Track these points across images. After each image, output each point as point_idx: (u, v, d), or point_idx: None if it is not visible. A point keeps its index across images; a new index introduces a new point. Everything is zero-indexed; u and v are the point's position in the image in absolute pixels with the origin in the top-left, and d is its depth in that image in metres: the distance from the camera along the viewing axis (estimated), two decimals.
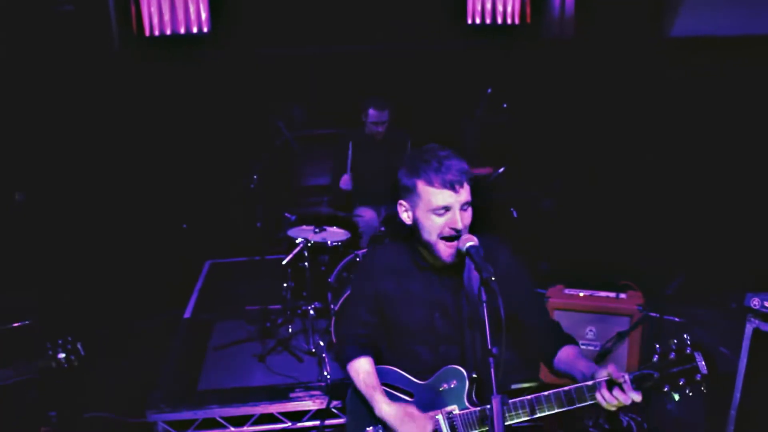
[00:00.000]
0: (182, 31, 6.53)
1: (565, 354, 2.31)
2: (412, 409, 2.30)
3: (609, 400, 2.01)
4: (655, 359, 2.01)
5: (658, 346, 2.06)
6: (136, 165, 6.61)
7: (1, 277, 5.34)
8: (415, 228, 2.27)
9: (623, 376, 2.00)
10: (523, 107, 6.23)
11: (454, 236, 2.17)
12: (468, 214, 2.21)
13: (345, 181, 5.29)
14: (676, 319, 5.06)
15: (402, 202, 2.27)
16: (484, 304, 2.02)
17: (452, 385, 2.28)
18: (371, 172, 5.37)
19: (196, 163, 6.87)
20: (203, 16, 6.48)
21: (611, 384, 2.02)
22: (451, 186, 2.13)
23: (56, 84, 6.06)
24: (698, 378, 1.97)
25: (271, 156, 4.63)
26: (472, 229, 2.25)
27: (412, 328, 2.38)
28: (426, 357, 2.38)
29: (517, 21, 6.96)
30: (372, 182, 5.37)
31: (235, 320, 5.39)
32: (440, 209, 2.15)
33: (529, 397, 2.13)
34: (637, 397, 1.99)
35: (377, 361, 2.51)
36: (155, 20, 6.47)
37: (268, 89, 6.75)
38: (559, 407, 2.10)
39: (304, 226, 4.98)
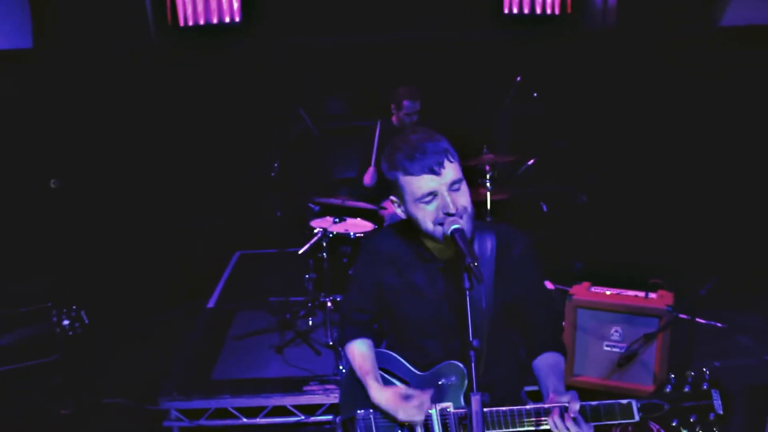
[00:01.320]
0: (215, 20, 6.54)
1: (542, 361, 2.19)
2: (407, 390, 2.16)
3: (559, 428, 1.88)
4: (668, 389, 1.87)
5: (673, 376, 1.90)
6: (169, 154, 6.65)
7: (31, 262, 5.43)
8: (412, 221, 2.13)
9: (574, 407, 1.87)
10: (560, 99, 5.99)
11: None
12: (462, 193, 2.04)
13: (369, 175, 5.18)
14: (718, 325, 4.78)
15: (392, 198, 2.15)
16: (467, 293, 1.86)
17: (451, 381, 2.14)
18: None
19: (229, 152, 6.86)
20: (235, 5, 6.47)
21: (586, 409, 1.89)
22: (431, 170, 1.97)
23: (93, 75, 6.13)
24: (711, 417, 1.83)
25: (291, 142, 4.55)
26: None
27: (419, 322, 2.25)
28: (435, 352, 2.24)
29: (557, 11, 6.72)
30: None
31: (257, 311, 5.34)
32: (426, 196, 2.00)
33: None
34: None
35: (380, 345, 2.40)
36: (189, 11, 6.49)
37: (299, 79, 6.69)
38: (512, 426, 1.97)
39: (328, 218, 4.90)
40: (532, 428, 1.96)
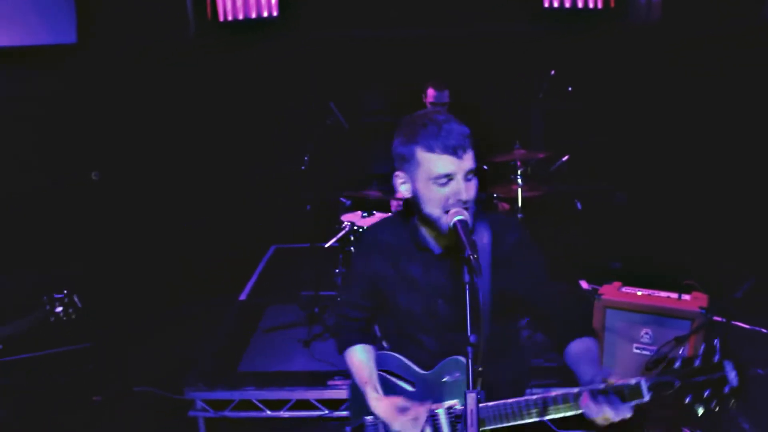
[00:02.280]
0: (253, 15, 6.59)
1: (575, 348, 2.05)
2: (402, 402, 2.11)
3: (594, 411, 1.76)
4: (677, 365, 1.74)
5: (682, 350, 1.78)
6: (207, 147, 6.73)
7: (68, 251, 5.58)
8: (414, 202, 2.05)
9: (613, 387, 1.76)
10: (600, 95, 5.81)
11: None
12: (473, 185, 1.98)
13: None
14: (763, 330, 4.57)
15: (398, 173, 2.04)
16: (467, 286, 1.80)
17: (455, 378, 2.08)
18: None
19: (267, 145, 6.90)
20: (272, 0, 6.50)
21: (596, 393, 1.77)
22: (454, 151, 1.90)
23: (134, 69, 6.24)
24: (726, 391, 1.68)
25: (321, 136, 4.53)
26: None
27: (414, 315, 2.19)
28: (431, 346, 2.18)
29: (600, 5, 6.54)
30: None
31: (288, 304, 5.35)
32: (442, 178, 1.93)
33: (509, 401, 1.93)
34: (628, 413, 1.74)
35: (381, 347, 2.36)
36: (228, 6, 6.55)
37: (335, 73, 6.68)
38: (537, 415, 1.88)
39: (358, 212, 4.88)
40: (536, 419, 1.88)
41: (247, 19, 6.63)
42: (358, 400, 2.31)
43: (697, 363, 1.71)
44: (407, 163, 2.00)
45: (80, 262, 5.62)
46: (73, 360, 4.97)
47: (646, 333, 3.61)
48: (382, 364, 2.28)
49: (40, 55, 5.76)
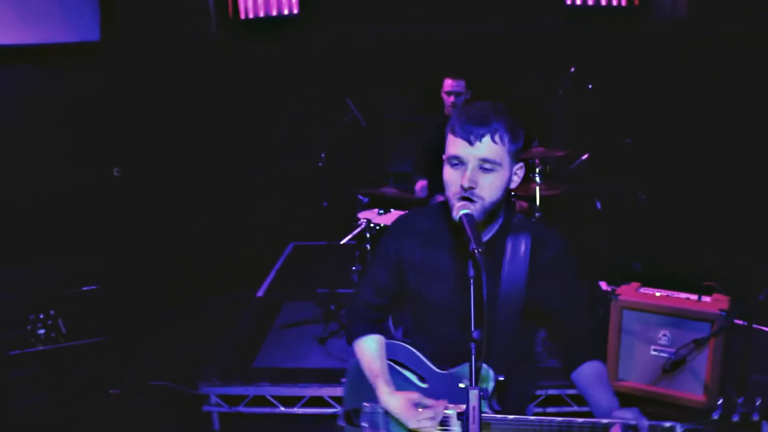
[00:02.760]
0: (274, 13, 6.61)
1: (587, 371, 2.04)
2: (418, 398, 2.07)
3: None
4: (715, 416, 1.71)
5: (721, 402, 1.75)
6: (228, 144, 6.75)
7: (89, 245, 5.64)
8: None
9: (644, 424, 1.73)
10: (624, 93, 5.71)
11: (466, 197, 1.92)
12: (487, 178, 1.92)
13: (421, 188, 5.10)
14: None
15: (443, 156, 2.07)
16: (471, 281, 1.77)
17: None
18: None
19: (287, 143, 6.90)
20: None
21: (628, 429, 1.74)
22: (468, 136, 1.90)
23: (156, 67, 6.29)
24: None
25: (338, 133, 4.53)
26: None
27: (437, 306, 2.15)
28: (447, 341, 2.13)
29: (623, 2, 6.43)
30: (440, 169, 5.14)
31: (304, 301, 5.35)
32: (453, 158, 1.93)
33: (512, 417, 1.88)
34: None
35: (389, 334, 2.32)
36: (249, 3, 6.57)
37: (355, 71, 6.67)
38: None
39: (376, 209, 4.86)
40: None
41: (268, 17, 6.65)
42: (357, 386, 2.28)
43: (735, 418, 1.68)
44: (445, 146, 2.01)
45: (102, 256, 5.68)
46: (92, 353, 5.03)
47: (664, 335, 3.54)
48: (391, 353, 2.23)
49: (65, 52, 5.82)
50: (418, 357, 2.17)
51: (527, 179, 4.57)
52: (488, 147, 1.91)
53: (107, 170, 6.30)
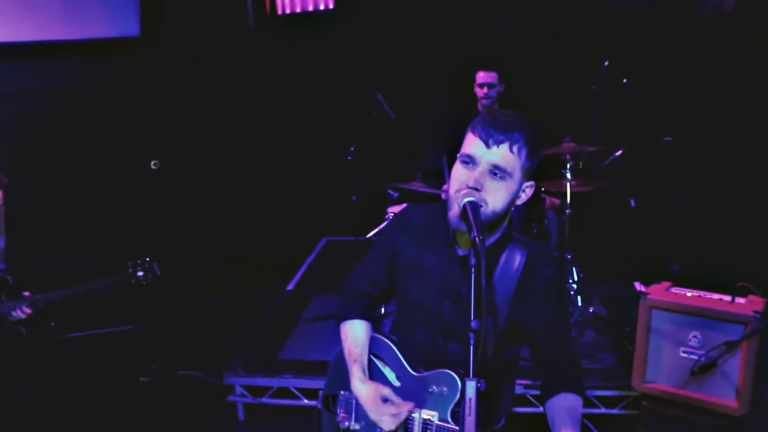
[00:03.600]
0: (310, 8, 6.63)
1: (559, 403, 2.00)
2: (388, 393, 2.05)
3: None
4: None
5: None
6: (264, 139, 6.81)
7: (125, 236, 5.75)
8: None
9: None
10: (662, 88, 5.52)
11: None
12: (494, 185, 1.88)
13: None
14: None
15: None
16: (473, 269, 1.73)
17: (443, 392, 1.99)
18: None
19: (322, 137, 6.90)
20: None
21: None
22: (486, 139, 1.86)
23: (194, 62, 6.38)
24: None
25: (368, 127, 4.51)
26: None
27: (419, 308, 2.11)
28: (423, 344, 2.10)
29: None
30: None
31: (334, 295, 5.33)
32: (466, 156, 1.89)
33: None
34: None
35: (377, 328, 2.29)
36: None
37: (390, 66, 6.63)
38: None
39: (406, 204, 4.82)
40: None
41: (304, 12, 6.68)
42: (339, 372, 2.28)
43: None
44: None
45: (140, 247, 5.79)
46: (125, 340, 5.14)
47: (695, 336, 3.41)
48: (374, 348, 2.22)
49: (106, 48, 5.95)
50: (396, 355, 2.15)
51: (559, 175, 4.47)
52: (503, 155, 1.86)
53: (145, 163, 6.41)
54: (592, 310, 4.60)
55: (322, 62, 6.82)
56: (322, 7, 6.60)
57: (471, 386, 1.66)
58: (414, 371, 2.09)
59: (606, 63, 4.58)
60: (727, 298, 3.43)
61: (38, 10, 5.69)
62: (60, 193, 5.59)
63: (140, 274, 3.65)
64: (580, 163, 4.44)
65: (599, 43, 5.73)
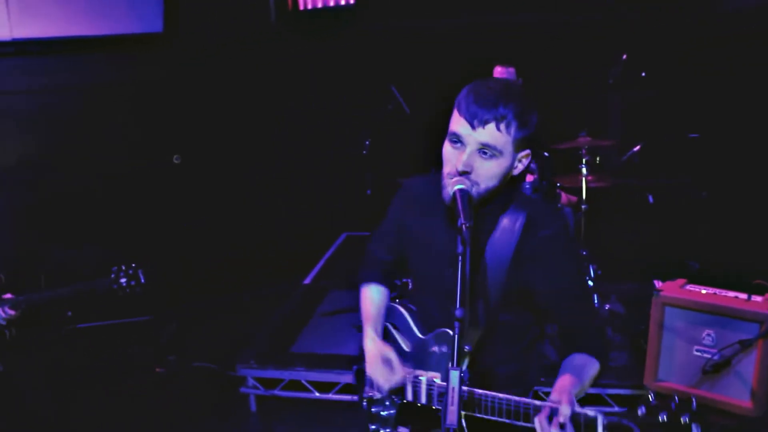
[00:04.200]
0: (331, 3, 6.64)
1: (567, 361, 1.92)
2: (391, 355, 2.03)
3: (542, 430, 1.64)
4: (641, 411, 1.57)
5: (652, 395, 1.60)
6: (285, 134, 6.84)
7: (146, 228, 5.83)
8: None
9: (565, 411, 1.60)
10: (685, 83, 5.38)
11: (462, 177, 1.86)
12: (489, 165, 1.84)
13: None
14: None
15: None
16: (459, 257, 1.71)
17: (443, 350, 1.98)
18: None
19: (342, 132, 6.90)
20: None
21: (554, 414, 1.63)
22: (471, 119, 1.80)
23: (217, 58, 6.43)
24: None
25: (382, 121, 4.50)
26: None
27: (424, 277, 2.13)
28: (435, 313, 2.08)
29: None
30: None
31: (350, 290, 5.33)
32: (453, 135, 1.85)
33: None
34: None
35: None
36: None
37: (409, 61, 6.59)
38: (507, 416, 1.76)
39: None
40: (511, 421, 1.75)
41: (326, 7, 6.69)
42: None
43: (662, 417, 1.53)
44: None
45: (162, 240, 5.87)
46: (143, 331, 5.21)
47: (708, 334, 3.33)
48: (390, 316, 2.23)
49: (130, 43, 6.03)
50: (407, 321, 2.15)
51: (576, 170, 4.41)
52: (491, 134, 1.81)
53: (167, 157, 6.50)
54: (608, 308, 4.53)
55: (340, 57, 6.82)
56: (342, 2, 6.60)
57: (455, 375, 1.64)
58: (421, 335, 2.09)
59: (624, 56, 4.49)
60: (743, 296, 3.35)
61: (65, 7, 5.79)
62: (77, 188, 5.68)
63: (123, 281, 3.46)
64: (597, 159, 4.37)
65: (618, 37, 5.61)
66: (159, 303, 5.29)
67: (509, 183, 1.96)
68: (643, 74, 4.73)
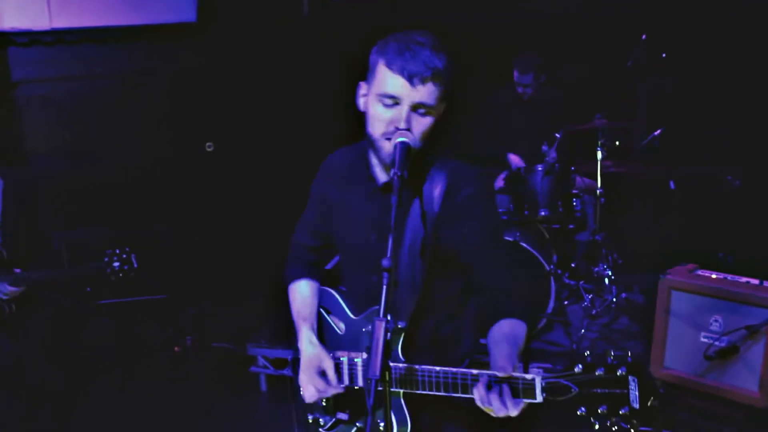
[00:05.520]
0: None
1: (496, 330, 1.81)
2: (328, 367, 1.98)
3: (482, 400, 1.59)
4: (578, 368, 1.52)
5: (588, 353, 1.55)
6: (313, 126, 6.88)
7: (177, 215, 5.96)
8: (365, 119, 1.92)
9: (508, 378, 1.57)
10: (713, 67, 5.10)
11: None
12: (425, 122, 1.81)
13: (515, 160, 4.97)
14: None
15: (362, 83, 1.94)
16: (393, 208, 1.67)
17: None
18: (518, 132, 4.94)
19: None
20: None
21: (492, 381, 1.59)
22: (409, 77, 1.76)
23: (249, 48, 6.53)
24: (624, 411, 1.46)
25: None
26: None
27: (349, 248, 2.07)
28: (360, 286, 2.03)
29: None
30: (506, 143, 4.96)
31: None
32: (387, 97, 1.79)
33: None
34: (513, 411, 1.55)
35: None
36: None
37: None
38: (437, 389, 1.73)
39: None
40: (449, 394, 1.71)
41: None
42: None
43: (600, 372, 1.48)
44: (370, 73, 1.89)
45: (193, 225, 5.99)
46: (162, 309, 5.31)
47: (716, 320, 3.19)
48: (322, 300, 2.18)
49: (163, 33, 6.18)
50: (339, 303, 2.11)
51: (593, 154, 4.29)
52: (429, 91, 1.77)
53: (200, 145, 6.63)
54: (625, 297, 4.40)
55: (361, 46, 6.82)
56: None
57: (380, 325, 1.60)
58: (354, 315, 2.05)
59: (644, 37, 4.32)
60: (755, 281, 3.20)
61: None
62: (109, 172, 5.85)
63: (116, 264, 3.49)
64: (617, 143, 4.24)
65: (637, 17, 5.35)
66: (182, 283, 5.39)
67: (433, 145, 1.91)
68: (663, 55, 4.54)
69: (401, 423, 1.85)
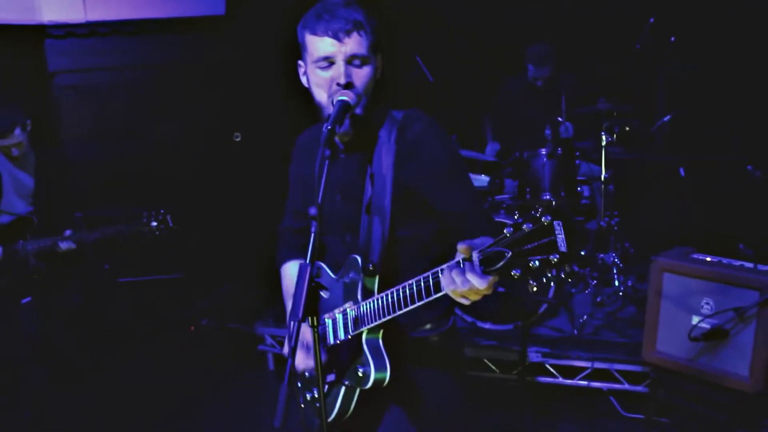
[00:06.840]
0: None
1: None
2: (304, 333, 2.05)
3: (447, 283, 1.60)
4: (507, 231, 1.47)
5: (517, 214, 1.50)
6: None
7: (205, 199, 6.11)
8: (311, 93, 2.02)
9: (470, 255, 1.55)
10: (728, 53, 4.91)
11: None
12: (364, 73, 1.91)
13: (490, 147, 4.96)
14: None
15: (299, 62, 2.05)
16: (325, 163, 1.76)
17: (349, 278, 1.99)
18: (527, 119, 4.92)
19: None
20: None
21: (452, 266, 1.59)
22: (335, 34, 1.87)
23: (276, 41, 6.66)
24: (555, 258, 1.40)
25: (406, 89, 4.50)
26: None
27: (324, 216, 2.08)
28: (336, 249, 2.11)
29: None
30: (519, 131, 4.94)
31: None
32: (322, 60, 1.89)
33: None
34: (480, 284, 1.51)
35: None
36: None
37: (431, 29, 6.42)
38: (412, 302, 1.75)
39: None
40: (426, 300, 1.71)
41: None
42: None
43: (527, 227, 1.43)
44: (303, 49, 1.99)
45: (216, 212, 6.14)
46: (178, 288, 5.45)
47: (707, 303, 3.12)
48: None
49: (193, 25, 6.37)
50: (324, 269, 2.16)
51: (597, 138, 4.24)
52: (357, 41, 1.88)
53: (228, 135, 6.80)
54: (631, 284, 4.34)
55: (388, 36, 6.83)
56: None
57: (306, 271, 1.68)
58: (333, 274, 2.11)
59: (651, 20, 4.23)
60: (750, 264, 3.13)
61: None
62: (140, 160, 6.05)
63: (154, 224, 3.75)
64: (627, 128, 4.17)
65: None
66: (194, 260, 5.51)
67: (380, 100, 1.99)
68: (673, 39, 4.44)
69: (380, 369, 1.88)
